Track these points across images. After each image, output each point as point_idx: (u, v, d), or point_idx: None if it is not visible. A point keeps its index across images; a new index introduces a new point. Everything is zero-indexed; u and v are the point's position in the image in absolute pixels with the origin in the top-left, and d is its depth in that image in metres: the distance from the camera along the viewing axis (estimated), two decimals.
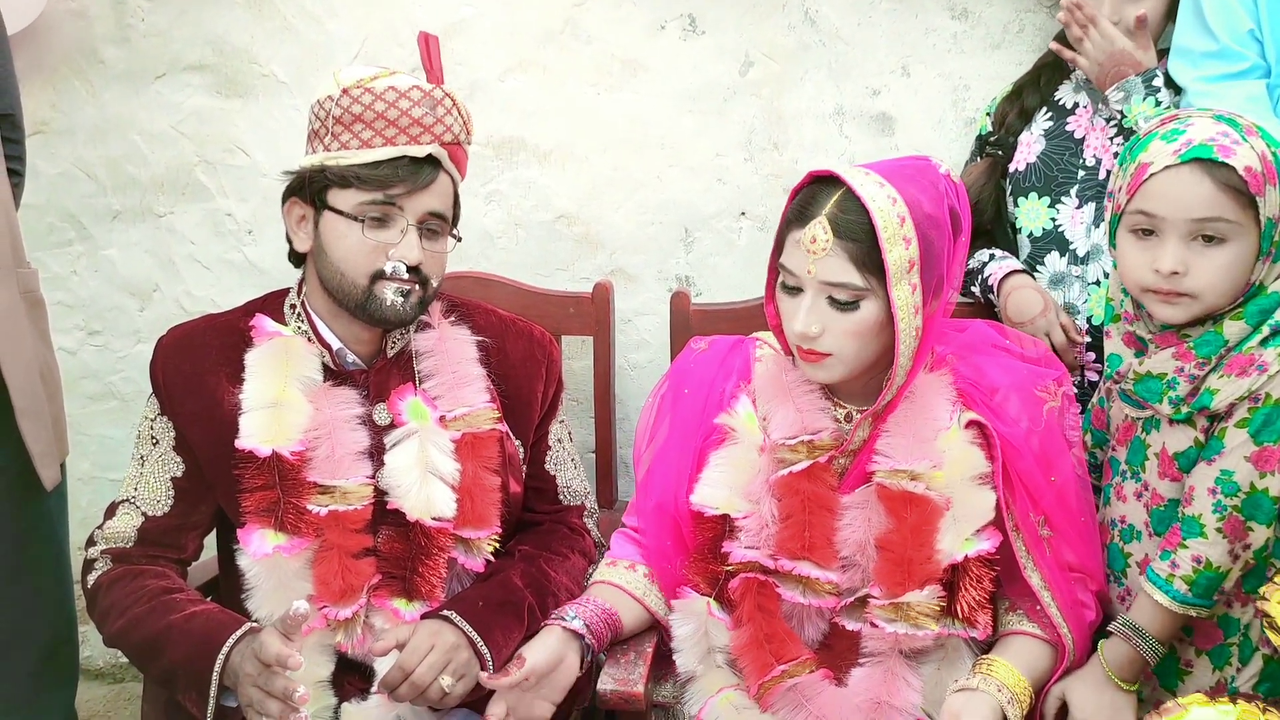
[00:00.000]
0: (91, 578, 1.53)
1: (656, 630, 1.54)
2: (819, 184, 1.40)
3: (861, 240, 1.34)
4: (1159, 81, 1.73)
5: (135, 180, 2.26)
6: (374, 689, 1.47)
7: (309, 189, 1.49)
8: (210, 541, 1.63)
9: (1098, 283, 1.79)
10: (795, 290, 1.40)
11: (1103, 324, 1.57)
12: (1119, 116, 1.77)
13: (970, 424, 1.44)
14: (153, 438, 1.55)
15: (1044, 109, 1.89)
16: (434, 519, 1.49)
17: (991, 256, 1.87)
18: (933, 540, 1.40)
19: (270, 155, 2.21)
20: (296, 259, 1.57)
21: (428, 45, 1.53)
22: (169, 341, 1.57)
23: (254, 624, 1.43)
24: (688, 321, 1.91)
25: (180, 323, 1.60)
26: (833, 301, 1.38)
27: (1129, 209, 1.40)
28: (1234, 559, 1.37)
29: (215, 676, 1.37)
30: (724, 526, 1.46)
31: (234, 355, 1.51)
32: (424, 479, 1.49)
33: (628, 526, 1.60)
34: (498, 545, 1.56)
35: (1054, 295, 1.80)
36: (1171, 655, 1.47)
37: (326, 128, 1.47)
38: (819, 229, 1.36)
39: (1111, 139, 1.79)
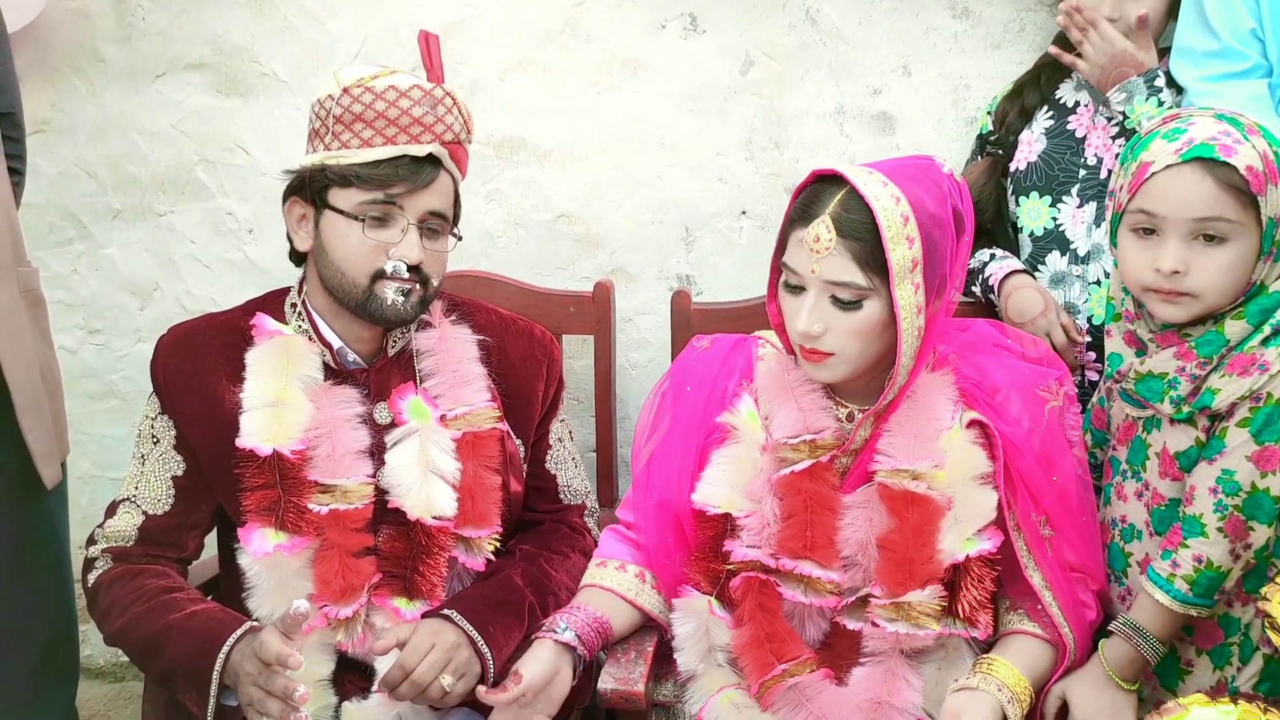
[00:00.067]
0: (92, 576, 1.53)
1: (657, 629, 1.54)
2: (822, 183, 1.40)
3: (865, 239, 1.34)
4: (1161, 81, 1.73)
5: (136, 179, 2.26)
6: (375, 688, 1.47)
7: (309, 188, 1.49)
8: (211, 540, 1.63)
9: (1098, 282, 1.78)
10: (798, 289, 1.40)
11: (1103, 323, 1.57)
12: (1121, 118, 1.76)
13: (972, 423, 1.44)
14: (153, 436, 1.55)
15: (1045, 108, 1.89)
16: (435, 518, 1.49)
17: (992, 256, 1.87)
18: (934, 540, 1.40)
19: (271, 154, 2.21)
20: (297, 258, 1.57)
21: (428, 44, 1.53)
22: (169, 340, 1.57)
23: (254, 623, 1.43)
24: (688, 321, 1.91)
25: (181, 322, 1.60)
26: (835, 301, 1.38)
27: (1130, 208, 1.40)
28: (1235, 558, 1.37)
29: (215, 676, 1.37)
30: (725, 525, 1.46)
31: (234, 354, 1.51)
32: (425, 478, 1.49)
33: (620, 522, 1.60)
34: (498, 544, 1.56)
35: (1055, 295, 1.80)
36: (1172, 655, 1.47)
37: (327, 127, 1.47)
38: (822, 228, 1.36)
39: (1113, 139, 1.79)
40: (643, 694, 1.42)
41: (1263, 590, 1.32)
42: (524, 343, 1.65)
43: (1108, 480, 1.57)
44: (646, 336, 2.20)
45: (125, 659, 1.78)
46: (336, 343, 1.55)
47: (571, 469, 1.72)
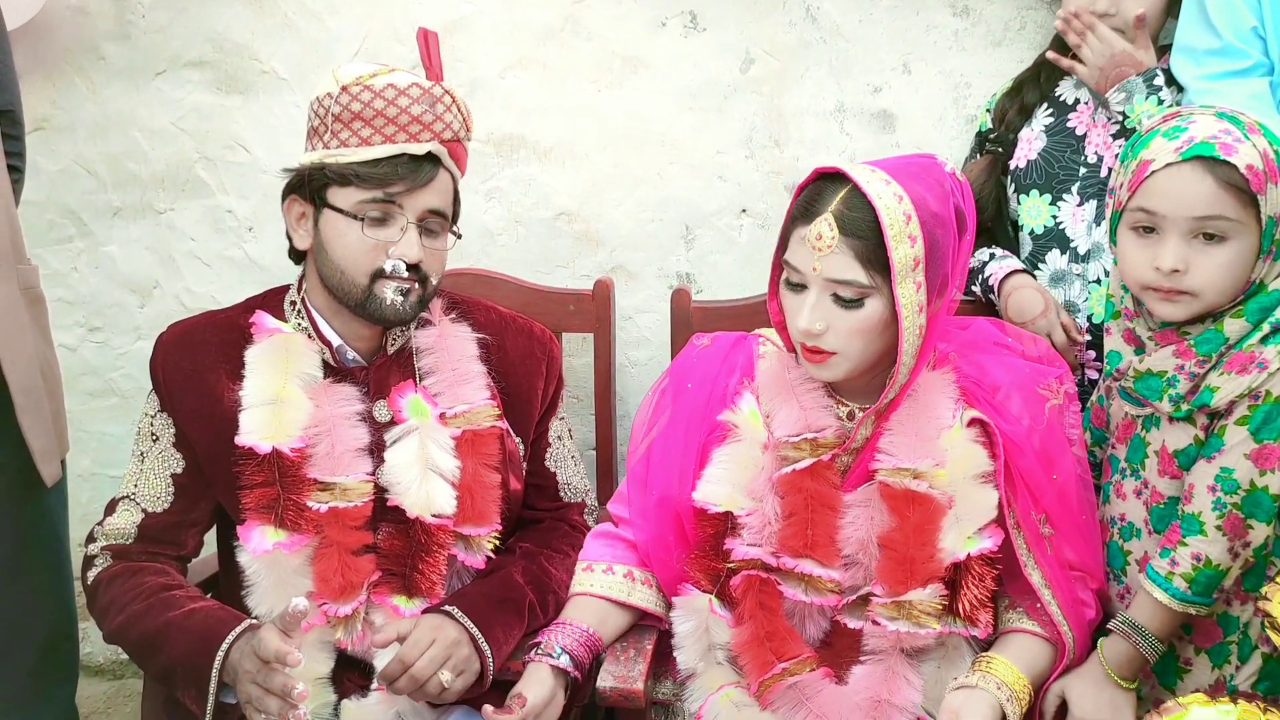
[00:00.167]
0: (91, 574, 1.53)
1: (655, 628, 1.54)
2: (824, 181, 1.40)
3: (867, 237, 1.34)
4: (1160, 80, 1.73)
5: (136, 177, 2.26)
6: (374, 683, 1.47)
7: (308, 187, 1.49)
8: (210, 538, 1.63)
9: (1098, 281, 1.78)
10: (799, 287, 1.40)
11: (1103, 322, 1.57)
12: (1121, 117, 1.76)
13: (973, 422, 1.44)
14: (153, 434, 1.55)
15: (1044, 105, 1.88)
16: (434, 516, 1.49)
17: (992, 256, 1.86)
18: (935, 539, 1.40)
19: (271, 152, 2.21)
20: (296, 256, 1.57)
21: (427, 42, 1.53)
22: (169, 338, 1.57)
23: (253, 621, 1.43)
24: (688, 319, 1.91)
25: (180, 319, 1.60)
26: (837, 299, 1.37)
27: (1130, 206, 1.40)
28: (1234, 557, 1.37)
29: (214, 673, 1.37)
30: (726, 523, 1.46)
31: (234, 352, 1.51)
32: (424, 476, 1.49)
33: (613, 516, 1.61)
34: (498, 542, 1.56)
35: (1055, 293, 1.80)
36: (1171, 653, 1.47)
37: (326, 125, 1.47)
38: (825, 226, 1.35)
39: (1114, 137, 1.79)
40: (642, 692, 1.42)
41: (1262, 589, 1.32)
42: (523, 341, 1.65)
43: (1107, 479, 1.57)
44: (646, 335, 2.20)
45: (125, 657, 1.78)
46: (336, 341, 1.55)
47: (571, 467, 1.72)
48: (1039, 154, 1.85)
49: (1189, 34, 1.75)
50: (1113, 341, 1.51)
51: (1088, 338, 1.76)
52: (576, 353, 2.12)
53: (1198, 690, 1.23)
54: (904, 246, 1.34)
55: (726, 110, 2.11)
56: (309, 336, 1.54)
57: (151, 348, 1.56)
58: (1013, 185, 1.89)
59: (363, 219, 1.46)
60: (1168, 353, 1.41)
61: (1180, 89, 1.75)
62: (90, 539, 1.55)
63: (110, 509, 1.55)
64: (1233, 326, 1.38)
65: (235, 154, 2.23)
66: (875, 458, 1.44)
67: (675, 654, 1.48)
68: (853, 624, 1.44)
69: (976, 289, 1.86)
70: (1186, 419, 1.42)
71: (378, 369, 1.56)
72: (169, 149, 2.24)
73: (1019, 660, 1.41)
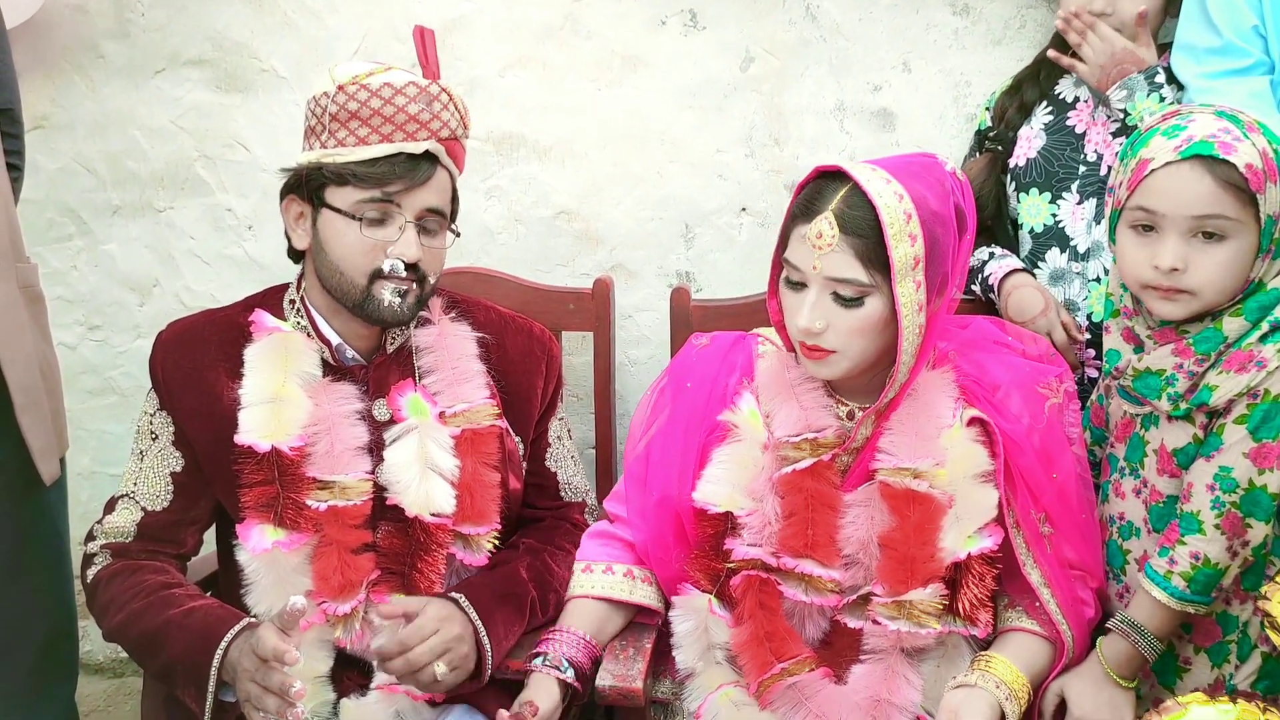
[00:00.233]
0: (91, 572, 1.53)
1: (654, 626, 1.54)
2: (825, 179, 1.40)
3: (867, 236, 1.34)
4: (1161, 78, 1.73)
5: (135, 175, 2.26)
6: (374, 682, 1.47)
7: (306, 187, 1.49)
8: (209, 536, 1.63)
9: (1098, 279, 1.78)
10: (799, 286, 1.40)
11: (1103, 320, 1.57)
12: (1122, 115, 1.76)
13: (973, 421, 1.44)
14: (152, 433, 1.55)
15: (1044, 103, 1.88)
16: (433, 515, 1.49)
17: (991, 254, 1.86)
18: (935, 538, 1.40)
19: (270, 150, 2.21)
20: (295, 255, 1.57)
21: (423, 40, 1.53)
22: (168, 336, 1.56)
23: (252, 619, 1.43)
24: (688, 317, 1.91)
25: (179, 318, 1.60)
26: (837, 297, 1.37)
27: (1129, 205, 1.40)
28: (1232, 556, 1.37)
29: (213, 672, 1.37)
30: (726, 523, 1.46)
31: (233, 350, 1.51)
32: (423, 475, 1.49)
33: (609, 514, 1.61)
34: (497, 542, 1.56)
35: (1054, 291, 1.80)
36: (1170, 653, 1.47)
37: (323, 124, 1.46)
38: (825, 224, 1.35)
39: (1113, 135, 1.79)
40: (641, 691, 1.42)
41: (1262, 589, 1.32)
42: (523, 340, 1.65)
43: (1106, 477, 1.57)
44: (646, 333, 2.20)
45: (124, 655, 1.78)
46: (335, 339, 1.54)
47: (571, 467, 1.72)
48: (1038, 152, 1.85)
49: (1189, 32, 1.75)
50: (1112, 340, 1.50)
51: (1087, 336, 1.76)
52: (576, 351, 2.12)
53: (1197, 689, 1.23)
54: (904, 245, 1.34)
55: (726, 109, 2.11)
56: (308, 335, 1.54)
57: (151, 346, 1.56)
58: (1012, 184, 1.89)
59: (361, 219, 1.45)
60: (1166, 351, 1.41)
61: (1181, 87, 1.75)
62: (89, 537, 1.55)
63: (109, 507, 1.55)
64: (1232, 325, 1.38)
65: (235, 152, 2.23)
66: (875, 457, 1.44)
67: (674, 653, 1.48)
68: (853, 624, 1.44)
69: (976, 288, 1.86)
70: (1185, 417, 1.42)
71: (377, 368, 1.56)
72: (168, 147, 2.24)
73: (1018, 659, 1.41)
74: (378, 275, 1.46)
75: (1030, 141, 1.86)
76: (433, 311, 1.59)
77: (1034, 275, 1.82)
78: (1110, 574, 1.54)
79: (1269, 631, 1.24)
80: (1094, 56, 1.75)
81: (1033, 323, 1.73)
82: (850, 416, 1.49)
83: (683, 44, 2.10)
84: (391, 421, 1.52)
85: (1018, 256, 1.87)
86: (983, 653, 1.44)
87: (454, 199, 1.55)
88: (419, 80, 1.48)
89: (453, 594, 1.47)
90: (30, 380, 1.65)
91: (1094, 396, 1.64)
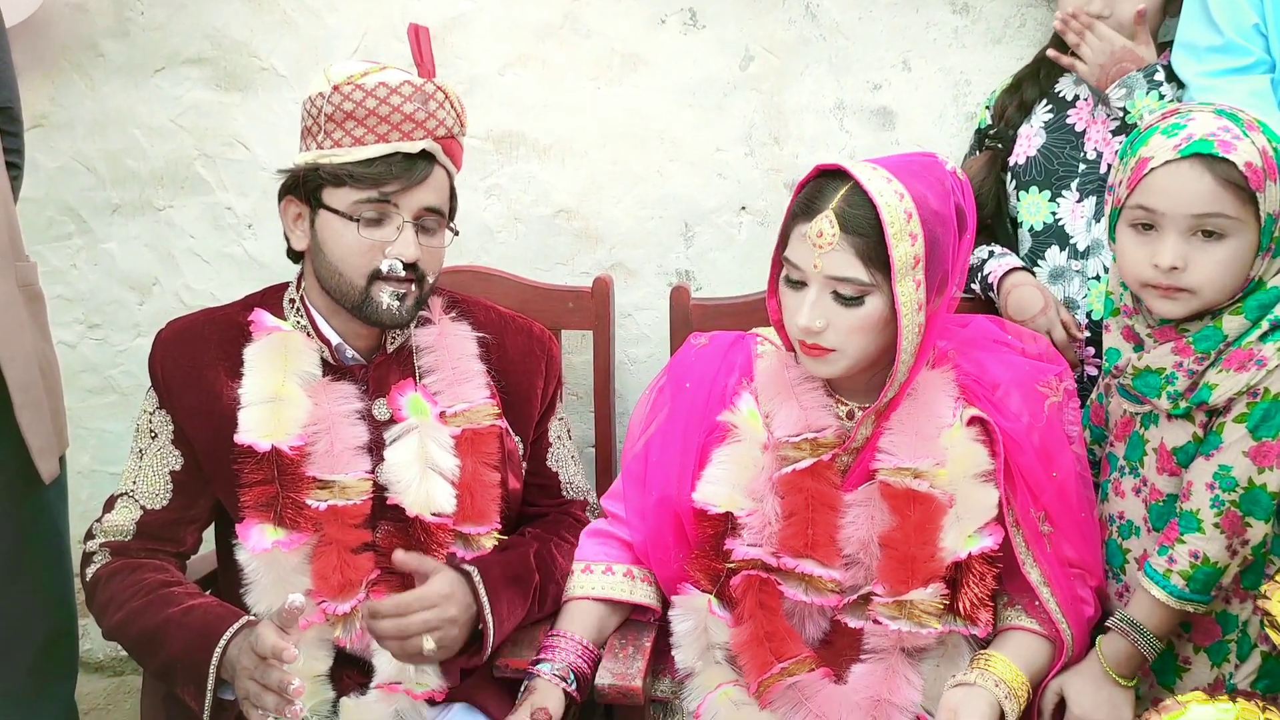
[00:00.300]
0: (90, 571, 1.53)
1: (654, 625, 1.54)
2: (825, 178, 1.40)
3: (868, 235, 1.34)
4: (1160, 76, 1.73)
5: (134, 174, 2.26)
6: (374, 681, 1.47)
7: (303, 188, 1.48)
8: (209, 535, 1.63)
9: (1098, 277, 1.78)
10: (799, 284, 1.40)
11: (1102, 319, 1.57)
12: (1121, 114, 1.76)
13: (972, 420, 1.44)
14: (151, 431, 1.55)
15: (1044, 101, 1.88)
16: (433, 514, 1.48)
17: (991, 253, 1.86)
18: (936, 538, 1.40)
19: (270, 149, 2.21)
20: (295, 255, 1.57)
21: (418, 38, 1.52)
22: (168, 335, 1.56)
23: (251, 617, 1.43)
24: (687, 316, 1.91)
25: (179, 316, 1.60)
26: (837, 296, 1.37)
27: (1129, 203, 1.39)
28: (1232, 555, 1.37)
29: (213, 670, 1.37)
30: (726, 524, 1.46)
31: (233, 349, 1.51)
32: (424, 474, 1.49)
33: (608, 513, 1.61)
34: (498, 541, 1.56)
35: (1054, 290, 1.80)
36: (1169, 652, 1.47)
37: (319, 125, 1.46)
38: (825, 223, 1.35)
39: (1113, 133, 1.79)
40: (640, 689, 1.42)
41: (1262, 588, 1.32)
42: (523, 340, 1.65)
43: (1105, 476, 1.57)
44: (646, 332, 2.20)
45: (124, 654, 1.78)
46: (335, 339, 1.54)
47: (572, 466, 1.72)
48: (1038, 150, 1.85)
49: (1190, 31, 1.75)
50: (1112, 339, 1.50)
51: (1087, 334, 1.76)
52: (575, 350, 2.12)
53: (1196, 689, 1.23)
54: (904, 244, 1.34)
55: (726, 107, 2.11)
56: (308, 335, 1.54)
57: (150, 345, 1.56)
58: (1012, 182, 1.89)
59: (358, 219, 1.45)
60: (1166, 350, 1.41)
61: (1181, 85, 1.75)
62: (89, 536, 1.55)
63: (109, 506, 1.55)
64: (1232, 324, 1.38)
65: (234, 151, 2.23)
66: (876, 457, 1.44)
67: (674, 653, 1.48)
68: (853, 623, 1.44)
69: (976, 286, 1.86)
70: (1185, 416, 1.42)
71: (377, 367, 1.56)
72: (168, 146, 2.24)
73: (1017, 658, 1.41)
74: (376, 276, 1.46)
75: (1030, 140, 1.86)
76: (433, 311, 1.59)
77: (1033, 273, 1.82)
78: (1110, 573, 1.54)
79: (1269, 630, 1.24)
80: (1093, 56, 1.75)
81: (1032, 321, 1.73)
82: (850, 416, 1.49)
83: (682, 42, 2.10)
84: (391, 421, 1.52)
85: (1017, 255, 1.87)
86: (982, 651, 1.43)
87: (452, 197, 1.55)
88: (414, 79, 1.48)
89: (466, 566, 1.47)
90: (30, 379, 1.66)
91: (1094, 395, 1.64)
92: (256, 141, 2.22)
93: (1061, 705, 1.44)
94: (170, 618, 1.43)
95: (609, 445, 2.02)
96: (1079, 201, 1.81)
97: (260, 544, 1.44)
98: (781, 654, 1.42)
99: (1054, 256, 1.83)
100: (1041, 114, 1.87)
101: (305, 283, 1.56)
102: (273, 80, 2.19)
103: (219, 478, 1.50)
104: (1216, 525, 1.36)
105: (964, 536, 1.40)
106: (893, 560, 1.41)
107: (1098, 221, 1.79)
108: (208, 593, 1.55)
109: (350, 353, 1.55)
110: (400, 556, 1.43)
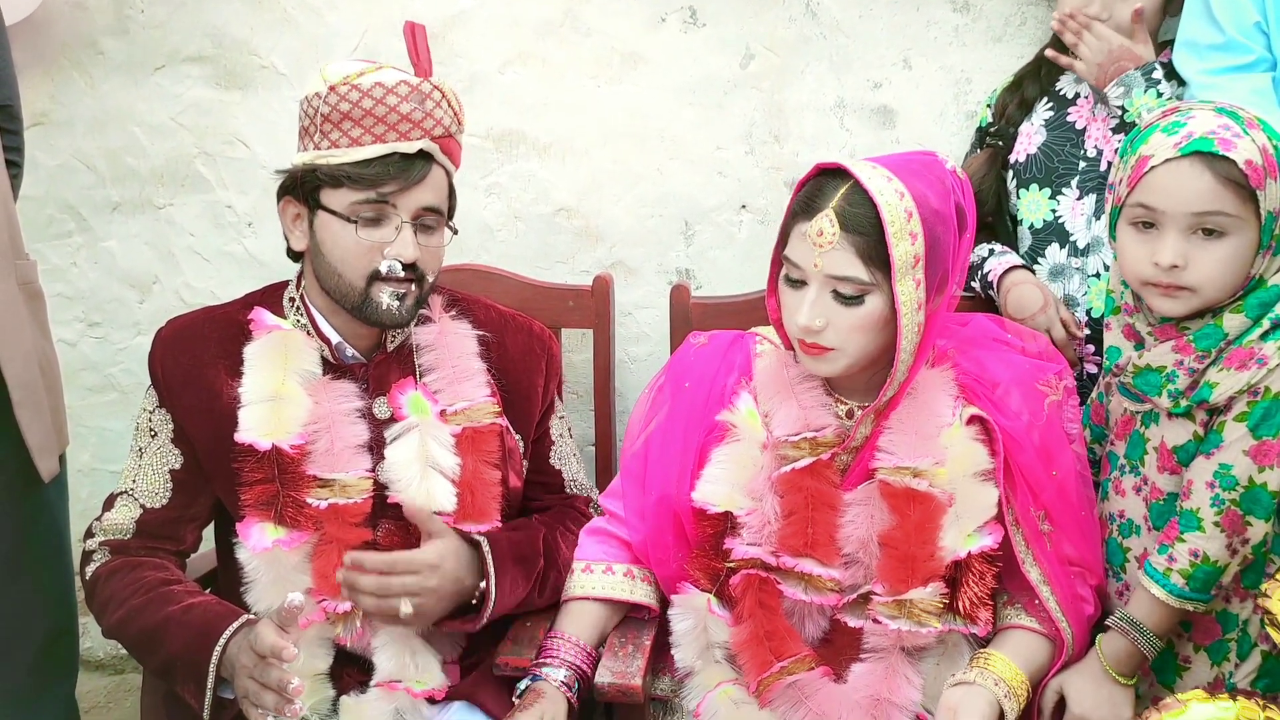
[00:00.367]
0: (90, 569, 1.53)
1: (654, 623, 1.54)
2: (825, 177, 1.40)
3: (868, 234, 1.34)
4: (1159, 74, 1.73)
5: (135, 172, 2.26)
6: (373, 679, 1.47)
7: (301, 189, 1.48)
8: (208, 533, 1.63)
9: (1098, 275, 1.78)
10: (799, 283, 1.39)
11: (1103, 316, 1.57)
12: (1120, 112, 1.76)
13: (972, 419, 1.44)
14: (151, 430, 1.55)
15: (1045, 99, 1.88)
16: (434, 513, 1.48)
17: (991, 251, 1.86)
18: (936, 537, 1.40)
19: (270, 147, 2.21)
20: (295, 254, 1.57)
21: (414, 36, 1.51)
22: (168, 333, 1.56)
23: (251, 616, 1.43)
24: (687, 315, 1.90)
25: (179, 315, 1.60)
26: (837, 295, 1.37)
27: (1129, 201, 1.39)
28: (1232, 553, 1.37)
29: (212, 668, 1.37)
30: (726, 523, 1.46)
31: (233, 348, 1.51)
32: (424, 473, 1.49)
33: (606, 512, 1.61)
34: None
35: (1054, 287, 1.80)
36: (1170, 651, 1.47)
37: (315, 125, 1.46)
38: (826, 222, 1.35)
39: (1113, 131, 1.79)
40: (640, 688, 1.42)
41: (1262, 586, 1.32)
42: (523, 339, 1.65)
43: (1106, 475, 1.57)
44: (646, 330, 2.20)
45: (125, 652, 1.78)
46: (335, 338, 1.54)
47: (575, 463, 1.73)
48: (1039, 148, 1.85)
49: (1192, 28, 1.75)
50: (1113, 337, 1.50)
51: (1087, 332, 1.76)
52: (576, 348, 2.12)
53: (1196, 688, 1.22)
54: (904, 244, 1.34)
55: (726, 106, 2.11)
56: (308, 333, 1.54)
57: (150, 343, 1.56)
58: (1013, 179, 1.89)
59: (356, 220, 1.45)
60: (1167, 348, 1.41)
61: (1180, 83, 1.75)
62: (88, 534, 1.55)
63: (108, 504, 1.55)
64: (1232, 322, 1.38)
65: (234, 149, 2.23)
66: (875, 456, 1.44)
67: (673, 652, 1.48)
68: (853, 622, 1.44)
69: (976, 285, 1.86)
70: (1186, 415, 1.42)
71: (377, 366, 1.56)
72: (168, 144, 2.24)
73: (1017, 656, 1.41)
74: (375, 277, 1.46)
75: (1031, 137, 1.86)
76: (433, 309, 1.59)
77: (1033, 272, 1.82)
78: (1110, 572, 1.54)
79: (1269, 629, 1.24)
80: (1090, 55, 1.75)
81: (1032, 319, 1.73)
82: (849, 415, 1.49)
83: (683, 41, 2.10)
84: (392, 419, 1.52)
85: (1017, 252, 1.87)
86: (982, 650, 1.43)
87: (451, 196, 1.55)
88: (410, 79, 1.47)
89: (476, 537, 1.47)
90: (29, 377, 1.65)
91: (1094, 394, 1.64)
92: (257, 140, 2.22)
93: (1061, 704, 1.44)
94: (170, 616, 1.43)
95: (609, 444, 2.02)
96: (1079, 199, 1.81)
97: (260, 543, 1.44)
98: (781, 653, 1.42)
99: (1054, 254, 1.83)
100: (1042, 111, 1.87)
101: (305, 281, 1.56)
102: (273, 78, 2.19)
103: (219, 476, 1.50)
104: (1217, 524, 1.36)
105: (963, 535, 1.40)
106: (892, 559, 1.40)
107: (1098, 219, 1.78)
108: (208, 591, 1.55)
109: (350, 351, 1.55)
110: (411, 507, 1.43)
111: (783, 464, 1.45)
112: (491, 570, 1.45)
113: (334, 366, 1.54)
